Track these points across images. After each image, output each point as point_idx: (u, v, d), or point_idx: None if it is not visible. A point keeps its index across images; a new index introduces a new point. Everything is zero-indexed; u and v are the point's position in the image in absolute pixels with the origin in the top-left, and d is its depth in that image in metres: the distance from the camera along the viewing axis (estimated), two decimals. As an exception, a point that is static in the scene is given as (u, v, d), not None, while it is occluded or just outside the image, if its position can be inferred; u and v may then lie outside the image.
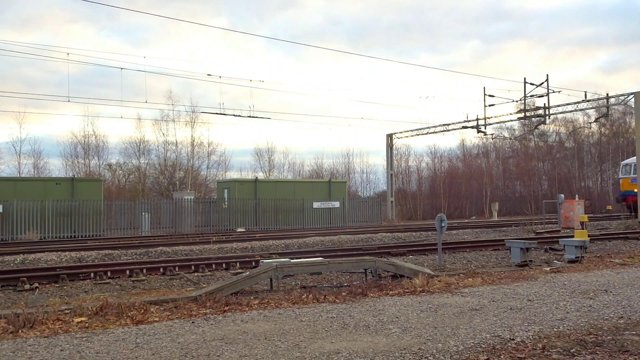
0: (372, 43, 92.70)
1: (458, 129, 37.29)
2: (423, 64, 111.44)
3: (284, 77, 68.34)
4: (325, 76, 77.59)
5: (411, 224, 33.92)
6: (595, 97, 33.41)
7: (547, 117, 32.39)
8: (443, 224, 13.51)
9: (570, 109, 32.40)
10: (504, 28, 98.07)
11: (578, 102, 31.18)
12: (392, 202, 43.72)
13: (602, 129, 61.42)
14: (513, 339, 6.01)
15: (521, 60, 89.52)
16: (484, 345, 5.77)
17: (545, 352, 5.51)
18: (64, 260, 14.57)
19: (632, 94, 29.14)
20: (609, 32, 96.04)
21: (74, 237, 26.52)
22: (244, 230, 29.25)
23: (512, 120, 39.30)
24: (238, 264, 13.63)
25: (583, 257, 13.33)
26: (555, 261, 13.66)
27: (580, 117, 58.64)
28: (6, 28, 70.33)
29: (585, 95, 31.07)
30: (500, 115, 34.98)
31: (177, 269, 13.07)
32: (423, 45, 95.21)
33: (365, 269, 11.26)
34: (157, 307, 8.24)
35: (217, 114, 27.24)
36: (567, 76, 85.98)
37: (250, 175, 52.28)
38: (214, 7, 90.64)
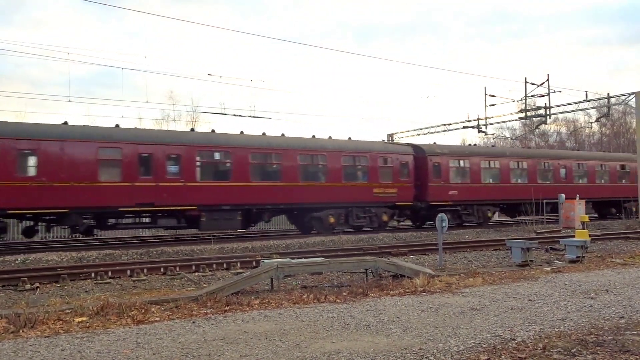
0: (376, 43, 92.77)
1: (459, 128, 37.17)
2: (426, 64, 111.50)
3: (285, 77, 68.43)
4: (327, 76, 77.64)
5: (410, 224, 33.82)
6: (596, 97, 33.39)
7: (548, 116, 32.32)
8: (444, 224, 13.51)
9: (571, 109, 32.34)
10: (508, 29, 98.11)
11: (579, 102, 31.12)
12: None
13: (603, 129, 61.44)
14: (514, 339, 6.00)
15: (524, 61, 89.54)
16: (484, 345, 5.77)
17: (546, 352, 5.51)
18: (64, 260, 14.55)
19: (632, 93, 29.07)
20: (613, 33, 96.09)
21: (75, 236, 26.47)
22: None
23: (513, 120, 39.27)
24: (239, 264, 13.62)
25: (584, 257, 13.33)
26: (556, 261, 13.65)
27: (581, 117, 58.75)
28: (16, 29, 70.52)
29: (586, 95, 31.01)
30: (501, 115, 34.88)
31: (177, 268, 13.07)
32: (426, 45, 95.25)
33: (366, 269, 11.25)
34: (158, 307, 8.24)
35: (218, 113, 27.27)
36: (571, 77, 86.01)
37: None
38: (217, 6, 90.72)
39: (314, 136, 22.99)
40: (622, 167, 32.44)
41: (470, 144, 30.81)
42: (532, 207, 26.64)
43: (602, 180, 31.35)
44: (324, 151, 22.08)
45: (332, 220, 21.90)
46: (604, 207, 33.03)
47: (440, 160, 25.06)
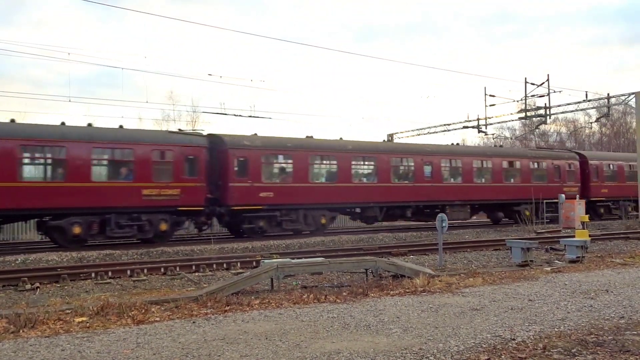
0: (376, 43, 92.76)
1: (459, 128, 37.25)
2: (426, 64, 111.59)
3: (285, 77, 68.51)
4: (327, 76, 77.62)
5: (411, 224, 33.85)
6: (596, 97, 33.39)
7: (548, 116, 32.35)
8: (444, 224, 13.51)
9: (571, 109, 32.37)
10: (509, 29, 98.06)
11: (579, 102, 31.14)
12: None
13: (603, 129, 61.43)
14: (514, 339, 6.01)
15: (524, 61, 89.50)
16: (484, 345, 5.77)
17: (546, 352, 5.51)
18: (64, 260, 14.56)
19: (632, 94, 29.07)
20: (613, 33, 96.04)
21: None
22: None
23: (513, 120, 39.32)
24: (239, 264, 13.63)
25: (584, 257, 13.33)
26: (556, 261, 13.65)
27: (581, 117, 58.72)
28: (16, 29, 70.49)
29: (586, 95, 31.04)
30: (501, 115, 34.99)
31: (178, 268, 13.08)
32: (426, 45, 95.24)
33: (366, 269, 11.26)
34: (158, 307, 8.24)
35: (218, 113, 27.25)
36: (571, 77, 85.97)
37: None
38: (217, 7, 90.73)
39: (63, 123, 18.41)
40: (510, 164, 28.38)
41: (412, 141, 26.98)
42: (382, 212, 23.19)
43: (483, 180, 27.22)
44: (65, 142, 17.40)
45: (77, 230, 17.35)
46: (489, 211, 29.21)
47: (248, 154, 20.31)
